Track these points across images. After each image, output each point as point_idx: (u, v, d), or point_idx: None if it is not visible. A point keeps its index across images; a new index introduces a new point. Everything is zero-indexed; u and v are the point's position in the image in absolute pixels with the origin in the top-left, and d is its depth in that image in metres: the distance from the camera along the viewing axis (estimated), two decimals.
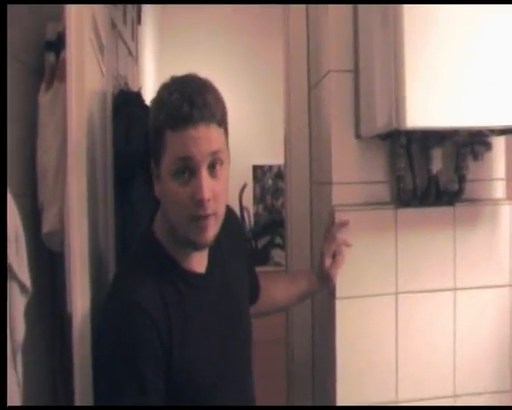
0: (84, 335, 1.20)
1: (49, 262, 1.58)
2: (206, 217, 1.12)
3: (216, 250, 1.28)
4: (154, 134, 1.15)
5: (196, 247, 1.18)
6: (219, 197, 1.14)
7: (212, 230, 1.15)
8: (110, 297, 1.19)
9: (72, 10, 1.24)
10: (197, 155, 1.09)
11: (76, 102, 1.23)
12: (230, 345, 1.28)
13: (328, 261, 1.47)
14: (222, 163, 1.14)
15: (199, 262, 1.25)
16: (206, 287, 1.25)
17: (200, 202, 1.10)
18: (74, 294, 1.18)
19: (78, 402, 1.17)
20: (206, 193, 1.09)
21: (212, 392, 1.20)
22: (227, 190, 1.19)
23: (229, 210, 1.32)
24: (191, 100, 1.08)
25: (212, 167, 1.12)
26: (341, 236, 1.48)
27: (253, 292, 1.51)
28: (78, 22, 1.26)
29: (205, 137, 1.09)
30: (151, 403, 1.10)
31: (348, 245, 1.47)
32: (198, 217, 1.12)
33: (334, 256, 1.49)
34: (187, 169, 1.10)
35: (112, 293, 1.20)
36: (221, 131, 1.15)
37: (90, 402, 1.17)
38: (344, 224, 1.49)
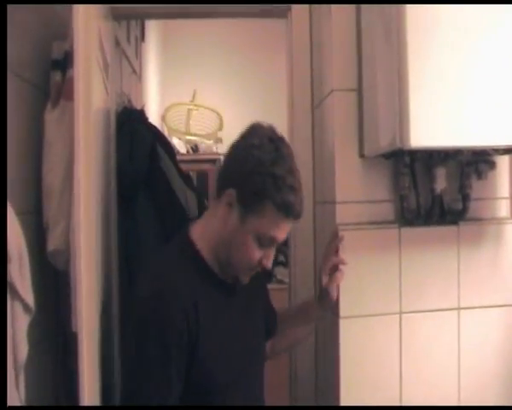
0: (91, 353, 1.19)
1: (53, 280, 1.58)
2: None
3: None
4: (254, 195, 1.25)
5: (237, 282, 1.35)
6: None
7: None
8: (146, 279, 1.29)
9: (79, 28, 1.25)
10: (280, 240, 1.30)
11: (83, 121, 1.24)
12: (248, 354, 1.37)
13: (325, 278, 1.46)
14: None
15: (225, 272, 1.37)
16: (231, 294, 1.36)
17: (262, 266, 1.31)
18: (80, 313, 1.18)
19: None
20: (270, 263, 1.32)
21: (225, 391, 1.29)
22: None
23: None
24: (301, 198, 1.28)
25: None
26: (337, 256, 1.48)
27: (272, 325, 1.55)
28: (86, 41, 1.27)
29: (288, 228, 1.31)
30: (172, 377, 1.20)
31: (343, 263, 1.45)
32: (254, 268, 1.32)
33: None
34: (267, 243, 1.29)
35: (148, 277, 1.29)
36: None
37: None
38: (339, 238, 1.49)
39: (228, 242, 1.30)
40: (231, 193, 1.27)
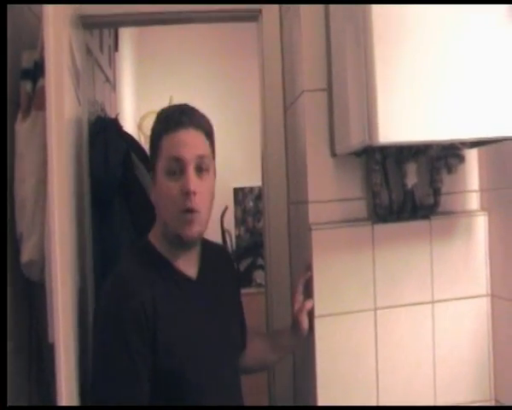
0: (68, 364, 1.18)
1: (25, 291, 1.56)
2: (192, 212, 1.28)
3: (206, 265, 1.44)
4: (151, 142, 1.37)
5: (183, 241, 1.32)
6: (203, 196, 1.32)
7: (197, 226, 1.31)
8: (105, 284, 1.33)
9: (50, 36, 1.25)
10: (186, 156, 1.29)
11: (56, 131, 1.23)
12: (215, 348, 1.36)
13: (296, 306, 1.48)
14: (208, 169, 1.34)
15: (189, 267, 1.39)
16: (194, 290, 1.37)
17: (187, 194, 1.27)
18: (57, 324, 1.16)
19: None
20: (192, 186, 1.28)
21: (195, 389, 1.28)
22: (212, 195, 1.37)
23: (227, 252, 1.69)
24: (182, 110, 1.34)
25: (198, 170, 1.32)
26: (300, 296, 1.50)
27: (242, 338, 1.56)
28: (57, 49, 1.26)
29: (193, 141, 1.32)
30: (136, 364, 1.21)
31: (307, 308, 1.46)
32: (185, 210, 1.28)
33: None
34: (177, 166, 1.29)
35: (107, 280, 1.34)
36: (207, 143, 1.36)
37: None
38: (308, 269, 1.50)
39: (157, 208, 1.35)
40: (150, 174, 1.38)
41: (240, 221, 4.59)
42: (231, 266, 1.67)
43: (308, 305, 1.46)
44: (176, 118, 1.31)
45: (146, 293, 1.26)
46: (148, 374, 1.24)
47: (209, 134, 1.37)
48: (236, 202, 4.59)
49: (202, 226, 1.34)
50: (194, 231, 1.31)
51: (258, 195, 4.54)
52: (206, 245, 1.48)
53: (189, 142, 1.31)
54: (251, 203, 4.62)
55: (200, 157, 1.32)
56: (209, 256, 1.47)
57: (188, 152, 1.30)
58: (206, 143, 1.36)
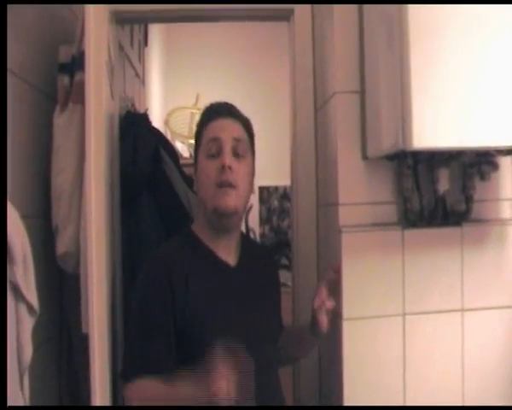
0: (102, 354, 1.20)
1: (57, 283, 1.58)
2: (228, 184, 1.37)
3: (247, 256, 1.50)
4: (196, 132, 1.50)
5: (220, 214, 1.39)
6: (239, 173, 1.41)
7: (232, 199, 1.39)
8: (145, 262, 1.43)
9: (91, 31, 1.26)
10: (223, 136, 1.41)
11: (94, 124, 1.24)
12: (247, 335, 1.32)
13: (316, 303, 1.45)
14: (244, 155, 1.44)
15: (229, 254, 1.46)
16: (232, 276, 1.44)
17: (223, 169, 1.37)
18: (92, 314, 1.18)
19: None
20: (228, 161, 1.38)
21: None
22: (250, 180, 1.47)
23: (269, 249, 1.88)
24: (223, 103, 1.49)
25: (235, 154, 1.42)
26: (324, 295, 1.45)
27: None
28: (97, 44, 1.27)
29: (230, 126, 1.44)
30: (159, 338, 1.29)
31: (327, 301, 1.44)
32: (221, 183, 1.37)
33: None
34: (215, 148, 1.40)
35: (146, 259, 1.44)
36: (245, 133, 1.48)
37: None
38: (332, 270, 1.49)
39: (198, 189, 1.45)
40: (194, 165, 1.49)
41: (264, 220, 4.59)
42: (273, 266, 1.69)
43: (328, 304, 1.43)
44: (216, 108, 1.46)
45: (178, 271, 1.33)
46: (170, 350, 1.31)
47: (247, 126, 1.49)
48: (261, 200, 4.59)
49: (239, 202, 1.41)
50: (230, 203, 1.38)
51: (284, 194, 4.54)
52: (248, 240, 1.55)
53: (227, 126, 1.43)
54: (276, 202, 4.61)
55: (236, 139, 1.42)
56: (250, 250, 1.54)
57: (224, 134, 1.41)
58: (244, 131, 1.47)
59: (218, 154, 1.40)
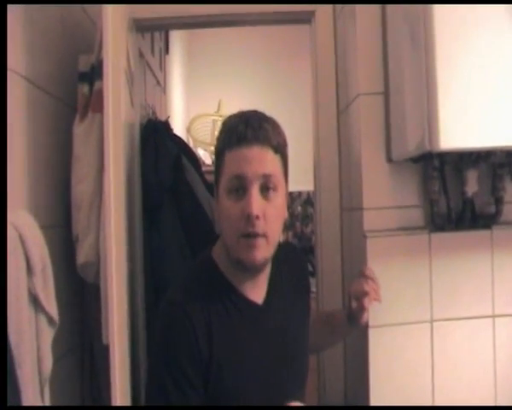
0: (122, 365, 1.18)
1: (78, 293, 1.58)
2: (255, 236, 1.14)
3: (276, 283, 1.30)
4: (216, 157, 1.23)
5: (245, 266, 1.18)
6: (270, 219, 1.16)
7: (262, 251, 1.16)
8: (163, 301, 1.22)
9: (109, 40, 1.26)
10: (249, 174, 1.13)
11: (113, 133, 1.23)
12: (278, 382, 1.24)
13: (354, 303, 1.36)
14: (275, 189, 1.17)
15: (256, 291, 1.25)
16: (260, 318, 1.24)
17: (248, 218, 1.12)
18: (112, 325, 1.17)
19: None
20: (255, 209, 1.12)
21: None
22: (282, 217, 1.21)
23: (293, 248, 1.47)
24: (247, 122, 1.15)
25: (265, 190, 1.16)
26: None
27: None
28: (115, 52, 1.27)
29: (258, 158, 1.14)
30: (187, 396, 1.12)
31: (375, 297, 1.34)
32: (247, 234, 1.14)
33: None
34: (240, 187, 1.14)
35: (165, 298, 1.23)
36: (277, 158, 1.19)
37: None
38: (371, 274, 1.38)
39: (220, 228, 1.21)
40: (215, 190, 1.24)
41: (288, 226, 4.55)
42: (300, 264, 1.47)
43: (366, 302, 1.32)
44: (239, 132, 1.14)
45: (200, 318, 1.16)
46: (200, 401, 1.15)
47: (278, 148, 1.19)
48: None
49: (268, 252, 1.18)
50: (257, 257, 1.16)
51: (307, 199, 4.50)
52: (277, 253, 1.28)
53: (253, 159, 1.14)
54: (299, 208, 4.57)
55: (266, 176, 1.15)
56: (278, 268, 1.32)
57: (251, 170, 1.14)
58: (275, 158, 1.18)
59: (242, 192, 1.14)
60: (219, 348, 1.16)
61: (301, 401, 1.26)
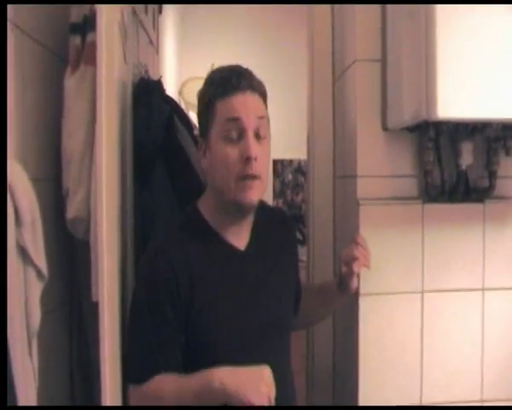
0: (113, 323, 1.18)
1: (68, 249, 1.56)
2: (252, 178, 1.22)
3: (260, 235, 1.35)
4: (203, 108, 1.28)
5: (241, 207, 1.25)
6: (263, 162, 1.24)
7: (257, 192, 1.24)
8: (146, 250, 1.31)
9: None
10: (245, 117, 1.21)
11: (106, 86, 1.20)
12: (256, 327, 1.29)
13: (343, 268, 1.37)
14: (265, 135, 1.26)
15: (239, 238, 1.31)
16: (242, 262, 1.31)
17: (247, 160, 1.20)
18: (102, 282, 1.16)
19: (107, 392, 1.15)
20: (254, 152, 1.20)
21: (229, 358, 1.21)
22: (269, 162, 1.30)
23: (283, 214, 1.59)
24: (239, 72, 1.24)
25: (257, 134, 1.23)
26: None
27: (296, 304, 1.49)
28: (110, 4, 1.23)
29: (252, 103, 1.23)
30: (166, 337, 1.20)
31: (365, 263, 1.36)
32: (245, 176, 1.21)
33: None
34: (235, 131, 1.22)
35: (149, 244, 1.32)
36: (264, 105, 1.28)
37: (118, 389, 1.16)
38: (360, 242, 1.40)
39: (212, 175, 1.28)
40: (200, 141, 1.31)
41: (278, 194, 4.55)
42: (289, 231, 1.52)
43: (355, 265, 1.34)
44: (233, 81, 1.22)
45: (182, 262, 1.22)
46: (180, 346, 1.22)
47: (265, 97, 1.29)
48: (275, 174, 4.55)
49: (262, 193, 1.27)
50: (254, 197, 1.24)
51: (298, 167, 4.50)
52: (263, 210, 1.39)
53: (248, 103, 1.23)
54: (290, 176, 4.57)
55: (260, 118, 1.24)
56: (264, 224, 1.38)
57: (247, 113, 1.21)
58: (264, 105, 1.28)
59: (238, 136, 1.21)
60: (200, 291, 1.22)
61: (283, 355, 1.35)
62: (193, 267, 1.23)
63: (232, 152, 1.21)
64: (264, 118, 1.25)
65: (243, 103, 1.22)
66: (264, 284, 1.33)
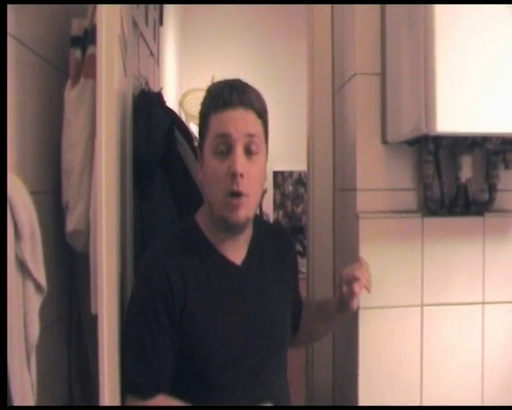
0: (112, 336, 1.18)
1: (67, 261, 1.56)
2: (238, 195, 1.21)
3: (257, 249, 1.36)
4: (200, 121, 1.30)
5: (229, 225, 1.25)
6: (252, 179, 1.24)
7: (244, 211, 1.23)
8: (144, 255, 1.33)
9: (103, 5, 1.22)
10: (234, 133, 1.22)
11: (106, 99, 1.20)
12: (251, 342, 1.29)
13: (345, 288, 1.34)
14: (258, 151, 1.25)
15: (235, 253, 1.32)
16: (237, 277, 1.31)
17: (233, 176, 1.20)
18: (101, 295, 1.16)
19: (105, 404, 1.15)
20: (239, 167, 1.20)
21: (221, 375, 1.24)
22: (262, 180, 1.29)
23: (282, 228, 1.62)
24: (232, 87, 1.24)
25: (248, 152, 1.24)
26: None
27: (296, 320, 1.49)
28: (109, 17, 1.24)
29: (242, 119, 1.23)
30: (160, 343, 1.21)
31: (359, 279, 1.32)
32: (231, 193, 1.21)
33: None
34: (225, 147, 1.22)
35: (144, 256, 1.33)
36: (259, 122, 1.27)
37: (117, 402, 1.17)
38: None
39: (204, 189, 1.30)
40: (198, 154, 1.33)
41: (278, 205, 4.55)
42: (288, 248, 1.50)
43: (356, 287, 1.31)
44: (225, 96, 1.23)
45: (177, 273, 1.23)
46: (174, 354, 1.23)
47: (261, 113, 1.28)
48: (276, 185, 4.55)
49: (250, 211, 1.26)
50: (241, 215, 1.23)
51: (298, 179, 4.50)
52: (261, 226, 1.40)
53: (238, 119, 1.23)
54: (290, 187, 4.57)
55: (250, 136, 1.23)
56: (262, 239, 1.39)
57: (236, 129, 1.22)
58: (258, 121, 1.26)
59: (227, 151, 1.22)
60: (193, 301, 1.23)
61: (279, 370, 1.35)
62: (188, 279, 1.24)
63: (220, 167, 1.22)
64: (255, 135, 1.25)
65: (232, 119, 1.22)
66: (260, 298, 1.33)
